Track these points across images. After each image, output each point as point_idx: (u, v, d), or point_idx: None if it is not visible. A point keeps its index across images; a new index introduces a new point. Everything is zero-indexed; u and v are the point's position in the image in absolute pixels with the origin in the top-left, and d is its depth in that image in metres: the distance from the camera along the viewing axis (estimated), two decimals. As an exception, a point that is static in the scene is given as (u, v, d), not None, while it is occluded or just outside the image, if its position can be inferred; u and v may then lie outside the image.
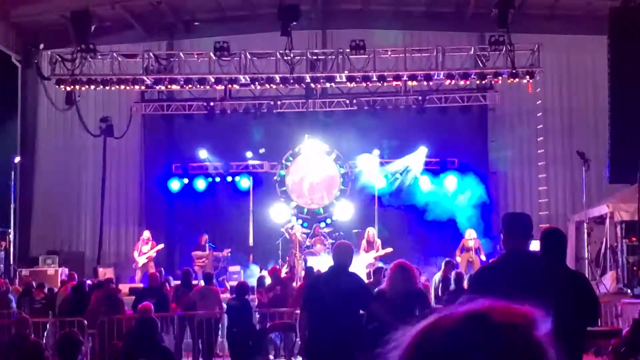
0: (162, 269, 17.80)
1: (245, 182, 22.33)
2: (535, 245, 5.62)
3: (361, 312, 7.37)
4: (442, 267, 14.85)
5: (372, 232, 19.28)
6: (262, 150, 22.00)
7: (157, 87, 21.12)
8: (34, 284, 15.74)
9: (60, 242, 22.94)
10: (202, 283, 15.09)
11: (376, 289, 7.61)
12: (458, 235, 19.47)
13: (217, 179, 22.40)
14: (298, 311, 11.90)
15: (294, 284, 15.55)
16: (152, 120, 23.28)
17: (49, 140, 23.64)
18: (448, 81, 20.02)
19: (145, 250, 19.49)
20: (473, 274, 11.50)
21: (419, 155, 21.62)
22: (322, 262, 18.65)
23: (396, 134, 21.85)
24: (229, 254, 20.49)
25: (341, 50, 19.94)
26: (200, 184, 22.43)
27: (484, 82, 20.49)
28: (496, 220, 20.22)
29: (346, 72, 19.93)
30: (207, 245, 20.09)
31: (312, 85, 20.63)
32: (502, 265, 5.00)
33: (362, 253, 18.84)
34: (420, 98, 21.31)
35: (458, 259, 18.32)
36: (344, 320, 7.11)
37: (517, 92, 21.64)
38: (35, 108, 23.57)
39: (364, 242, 19.07)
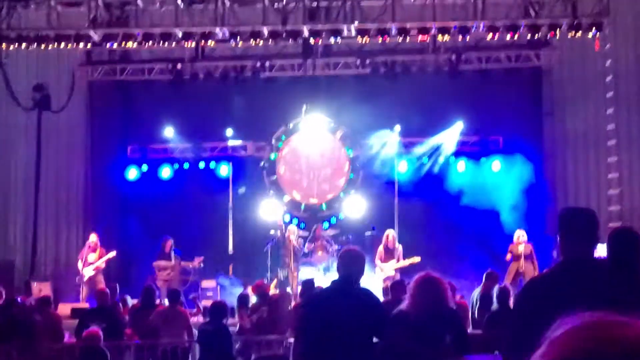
0: (116, 284, 17.79)
1: (223, 170, 22.34)
2: (602, 251, 5.58)
3: (375, 340, 7.36)
4: (483, 280, 14.86)
5: (391, 235, 19.28)
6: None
7: (108, 45, 21.04)
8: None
9: (-18, 248, 22.96)
10: (166, 302, 15.08)
11: (395, 310, 7.58)
12: (505, 238, 19.46)
13: (186, 166, 22.41)
14: (292, 339, 11.87)
15: (288, 304, 15.54)
16: (102, 89, 23.25)
17: (-34, 115, 23.62)
18: (490, 35, 19.96)
19: (92, 260, 19.49)
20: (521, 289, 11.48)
21: (453, 133, 21.63)
22: (324, 275, 18.69)
23: (423, 104, 21.80)
24: (202, 265, 20.50)
25: (349, -6, 19.91)
26: (165, 172, 22.44)
27: (536, 36, 20.41)
28: (552, 217, 20.19)
29: (356, 22, 19.87)
30: (172, 252, 20.09)
31: (312, 40, 20.55)
32: (559, 278, 4.96)
33: (378, 263, 18.86)
34: (453, 57, 21.27)
35: (508, 254, 18.40)
36: (353, 351, 7.10)
37: (580, 50, 21.54)
38: (-52, 73, 23.52)
39: (380, 249, 19.07)
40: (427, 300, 7.02)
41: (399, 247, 19.19)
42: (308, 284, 15.43)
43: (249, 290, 16.31)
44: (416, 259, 18.76)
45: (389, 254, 18.99)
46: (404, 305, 7.33)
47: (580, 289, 4.60)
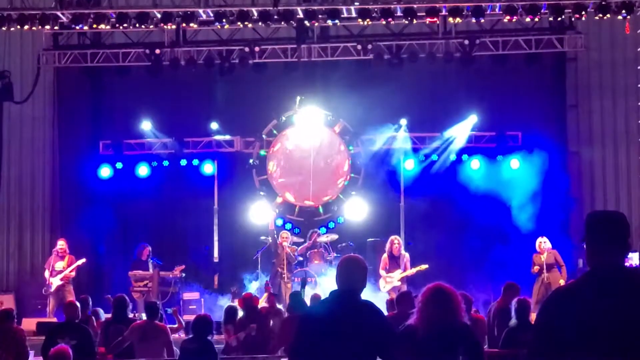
0: (87, 296, 17.82)
1: (207, 168, 22.31)
2: (634, 259, 5.61)
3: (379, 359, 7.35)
4: (502, 293, 14.84)
5: (397, 241, 19.31)
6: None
7: (77, 28, 21.00)
8: None
9: (-62, 256, 22.94)
10: (143, 317, 15.08)
11: (402, 325, 7.59)
12: (526, 244, 19.43)
13: (166, 163, 22.36)
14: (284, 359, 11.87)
15: (279, 320, 15.53)
16: (70, 77, 23.20)
17: None
18: (507, 18, 19.97)
19: (60, 268, 19.46)
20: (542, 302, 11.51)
21: (466, 128, 21.61)
22: (320, 286, 18.67)
23: (432, 95, 21.86)
24: (183, 275, 20.48)
25: (349, -29, 19.95)
26: (142, 171, 22.38)
27: (560, 19, 20.42)
28: (577, 221, 20.20)
29: (357, 3, 19.88)
30: (150, 261, 20.07)
31: (307, 23, 20.55)
32: (585, 290, 4.96)
33: (382, 273, 18.87)
34: (466, 43, 21.24)
35: (535, 267, 18.35)
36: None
37: (608, 35, 21.56)
38: None
39: (384, 257, 19.10)
40: (437, 315, 7.01)
41: (406, 255, 19.20)
42: (299, 296, 15.45)
43: (237, 303, 16.29)
44: (423, 267, 18.77)
45: (394, 262, 19.00)
46: (411, 320, 7.33)
47: (609, 303, 4.61)
